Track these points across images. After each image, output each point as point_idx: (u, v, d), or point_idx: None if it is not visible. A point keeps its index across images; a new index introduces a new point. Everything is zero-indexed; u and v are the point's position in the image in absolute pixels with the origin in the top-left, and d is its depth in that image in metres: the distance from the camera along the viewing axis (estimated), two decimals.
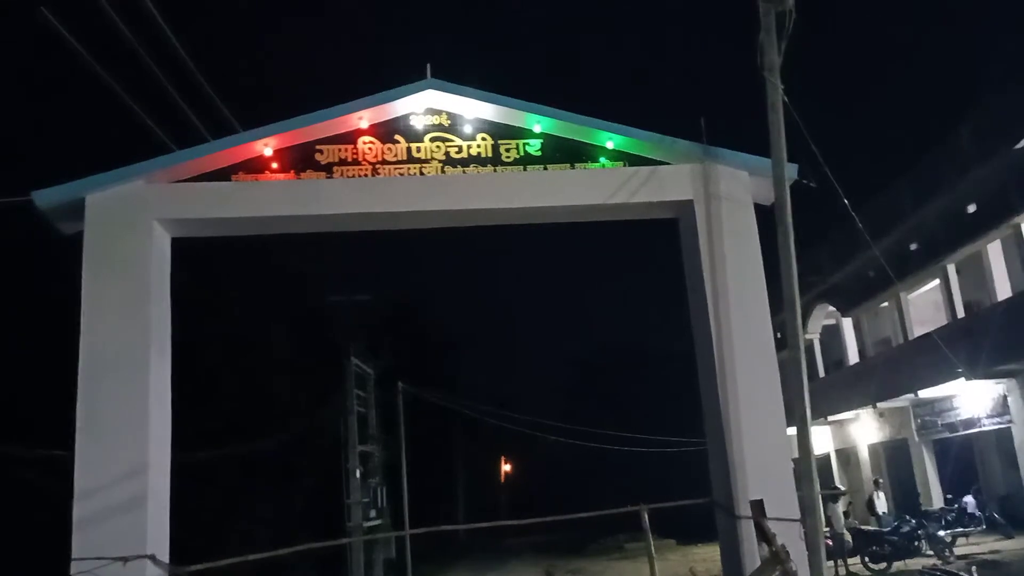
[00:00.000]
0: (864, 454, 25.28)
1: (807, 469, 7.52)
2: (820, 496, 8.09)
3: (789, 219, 7.84)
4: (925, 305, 21.48)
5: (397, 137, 8.98)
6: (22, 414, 15.67)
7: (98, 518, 7.43)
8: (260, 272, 21.25)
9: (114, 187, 8.33)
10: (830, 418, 25.21)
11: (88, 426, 7.70)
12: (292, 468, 21.14)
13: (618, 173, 9.04)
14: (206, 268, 17.24)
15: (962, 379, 17.50)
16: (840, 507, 17.74)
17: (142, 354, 7.98)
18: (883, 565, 16.37)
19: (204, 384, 17.16)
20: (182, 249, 9.01)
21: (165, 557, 7.76)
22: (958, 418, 20.03)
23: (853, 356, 24.86)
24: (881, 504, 19.25)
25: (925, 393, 19.96)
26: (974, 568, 13.10)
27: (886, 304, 22.88)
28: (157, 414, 8.03)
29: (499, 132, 9.09)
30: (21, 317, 16.97)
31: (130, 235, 8.27)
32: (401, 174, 8.89)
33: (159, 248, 8.48)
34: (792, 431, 7.82)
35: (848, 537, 17.08)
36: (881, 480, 20.24)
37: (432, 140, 9.02)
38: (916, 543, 16.61)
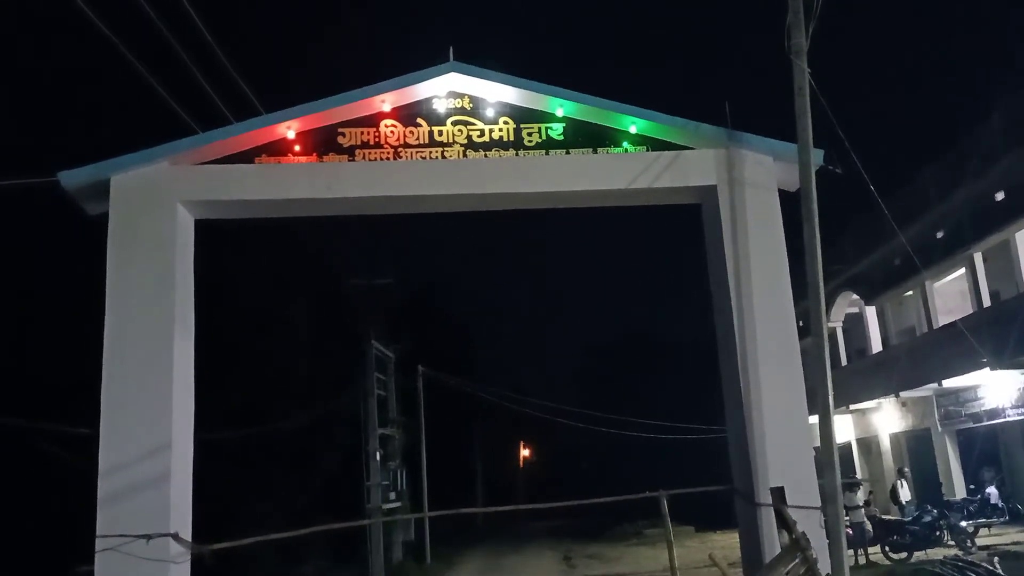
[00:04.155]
0: (886, 443, 25.09)
1: (828, 458, 7.49)
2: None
3: (814, 205, 7.77)
4: (951, 294, 21.20)
5: (419, 120, 8.98)
6: (51, 392, 15.89)
7: (122, 496, 7.54)
8: (282, 254, 21.33)
9: (139, 168, 8.40)
10: (852, 407, 25.03)
11: (113, 405, 7.80)
12: (312, 450, 21.30)
13: (641, 158, 8.98)
14: (229, 250, 17.35)
15: (987, 369, 17.29)
16: (860, 497, 17.60)
17: (166, 334, 8.06)
18: (904, 555, 16.26)
19: (226, 365, 17.30)
20: (205, 230, 9.07)
21: (188, 535, 7.86)
22: (982, 408, 19.81)
23: (876, 345, 24.62)
24: (905, 493, 19.06)
25: (949, 383, 19.74)
26: (996, 559, 12.95)
27: (911, 293, 22.62)
28: (180, 394, 8.11)
29: (521, 116, 9.06)
30: (49, 298, 17.19)
31: (154, 216, 8.34)
32: (423, 157, 8.89)
33: (183, 229, 8.54)
34: (814, 419, 7.77)
35: (868, 526, 16.97)
36: (906, 469, 20.03)
37: (454, 124, 9.00)
38: (937, 533, 16.46)
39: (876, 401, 24.10)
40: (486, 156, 8.95)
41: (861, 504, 17.32)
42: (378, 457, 19.99)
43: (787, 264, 8.73)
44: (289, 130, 8.74)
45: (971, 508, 17.46)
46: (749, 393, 8.37)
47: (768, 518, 8.04)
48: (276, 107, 9.01)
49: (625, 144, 9.06)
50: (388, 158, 8.86)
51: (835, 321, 25.74)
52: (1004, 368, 17.05)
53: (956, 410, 20.92)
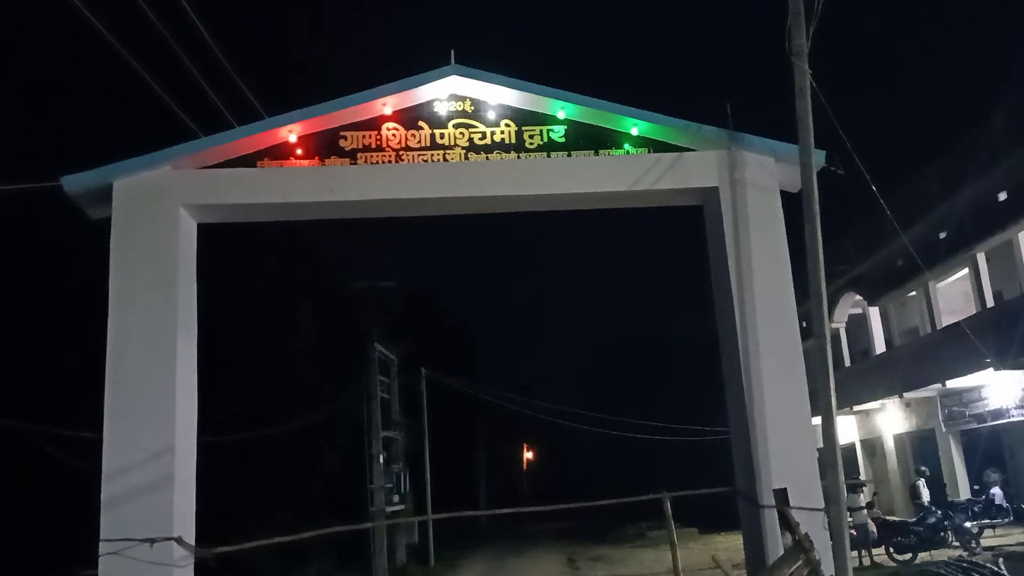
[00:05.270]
0: (890, 444, 25.03)
1: (832, 459, 7.48)
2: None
3: (816, 206, 7.77)
4: (954, 294, 21.16)
5: (421, 123, 8.98)
6: (54, 396, 15.92)
7: (126, 500, 7.55)
8: (284, 257, 21.37)
9: (141, 173, 8.41)
10: (856, 408, 24.96)
11: (116, 409, 7.82)
12: (315, 453, 21.31)
13: (642, 160, 8.97)
14: (231, 253, 17.37)
15: (990, 369, 17.25)
16: (862, 498, 17.55)
17: (169, 338, 8.07)
18: (908, 556, 16.22)
19: (229, 368, 17.32)
20: (208, 233, 9.09)
21: (191, 539, 7.87)
22: (986, 409, 19.76)
23: (880, 346, 24.58)
24: (926, 493, 18.89)
25: (953, 383, 19.68)
26: (1001, 560, 12.93)
27: (914, 293, 22.58)
28: (183, 397, 8.13)
29: (523, 118, 9.06)
30: (51, 302, 17.22)
31: (157, 221, 8.35)
32: (424, 160, 8.90)
33: (185, 233, 8.55)
34: (817, 420, 7.77)
35: (872, 527, 16.93)
36: (923, 468, 19.90)
37: (456, 126, 9.01)
38: (942, 534, 16.41)
39: (880, 402, 24.04)
40: (488, 159, 8.95)
41: (864, 505, 17.27)
42: (381, 460, 20.00)
43: (789, 265, 8.72)
44: (291, 134, 8.75)
45: (975, 509, 17.39)
46: (752, 394, 8.36)
47: (771, 520, 8.02)
48: (278, 111, 9.04)
49: (627, 146, 9.06)
50: (390, 161, 8.87)
51: (838, 322, 25.72)
52: (1008, 368, 17.01)
53: (960, 411, 20.86)
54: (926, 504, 18.16)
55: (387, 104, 8.89)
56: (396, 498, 21.26)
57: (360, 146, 8.88)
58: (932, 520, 16.56)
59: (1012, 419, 18.96)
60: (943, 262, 19.41)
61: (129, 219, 8.29)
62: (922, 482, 18.94)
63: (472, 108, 9.06)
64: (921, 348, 21.35)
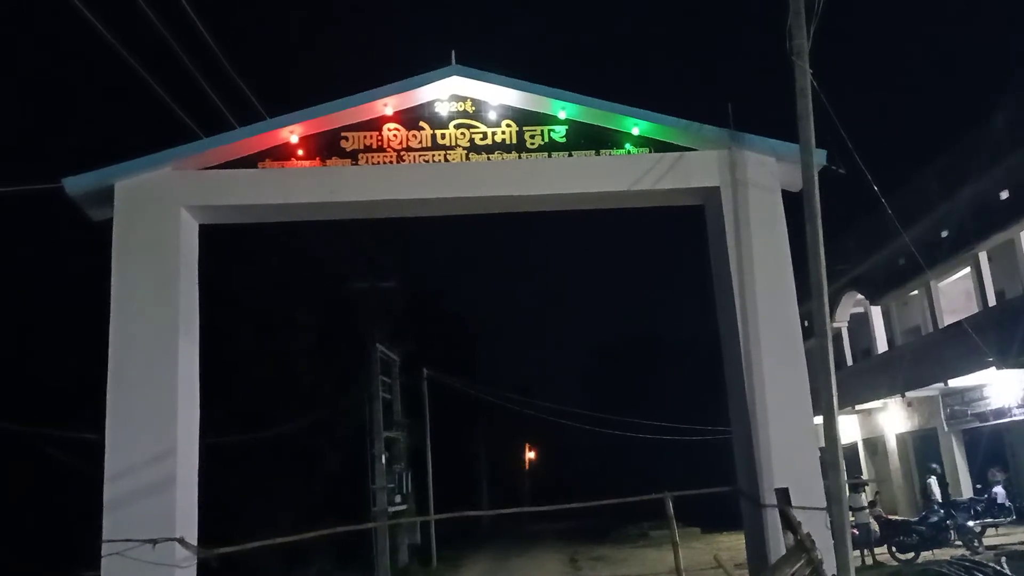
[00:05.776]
0: (892, 443, 25.02)
1: (834, 458, 7.48)
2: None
3: (817, 206, 7.77)
4: (956, 293, 21.16)
5: (422, 124, 8.98)
6: (56, 397, 15.92)
7: (128, 501, 7.55)
8: (286, 258, 21.36)
9: (142, 174, 8.41)
10: (858, 407, 24.95)
11: (118, 410, 7.82)
12: (317, 453, 21.31)
13: (644, 159, 8.97)
14: (233, 254, 17.36)
15: (992, 368, 17.25)
16: (864, 497, 17.54)
17: (171, 339, 8.08)
18: (910, 555, 16.22)
19: (230, 369, 17.31)
20: (209, 234, 9.09)
21: (193, 540, 7.88)
22: (988, 408, 19.75)
23: (882, 345, 24.56)
24: (938, 492, 18.86)
25: (955, 382, 19.68)
26: (1003, 559, 12.90)
27: (916, 292, 22.56)
28: (185, 398, 8.13)
29: (524, 118, 9.05)
30: (54, 303, 17.22)
31: (158, 222, 8.36)
32: (426, 161, 8.89)
33: (187, 234, 8.56)
34: (819, 420, 7.77)
35: (875, 526, 16.92)
36: (935, 466, 19.85)
37: (457, 127, 9.00)
38: (945, 533, 16.42)
39: (882, 401, 24.03)
40: (489, 159, 8.95)
41: (867, 504, 17.27)
42: (383, 460, 20.01)
43: (791, 264, 8.71)
44: (292, 135, 8.75)
45: (978, 508, 17.38)
46: (753, 394, 8.36)
47: (773, 519, 8.02)
48: (279, 111, 9.04)
49: (628, 146, 9.05)
50: (391, 162, 8.87)
51: (840, 321, 25.70)
52: (1010, 367, 17.00)
53: (962, 410, 20.85)
54: (938, 503, 18.13)
55: (388, 105, 8.88)
56: (398, 498, 21.27)
57: (361, 147, 8.88)
58: (934, 519, 16.56)
59: (1014, 418, 18.95)
60: (945, 261, 19.39)
61: (130, 220, 8.30)
62: (933, 480, 18.92)
63: (473, 108, 9.05)
64: (923, 347, 21.33)
